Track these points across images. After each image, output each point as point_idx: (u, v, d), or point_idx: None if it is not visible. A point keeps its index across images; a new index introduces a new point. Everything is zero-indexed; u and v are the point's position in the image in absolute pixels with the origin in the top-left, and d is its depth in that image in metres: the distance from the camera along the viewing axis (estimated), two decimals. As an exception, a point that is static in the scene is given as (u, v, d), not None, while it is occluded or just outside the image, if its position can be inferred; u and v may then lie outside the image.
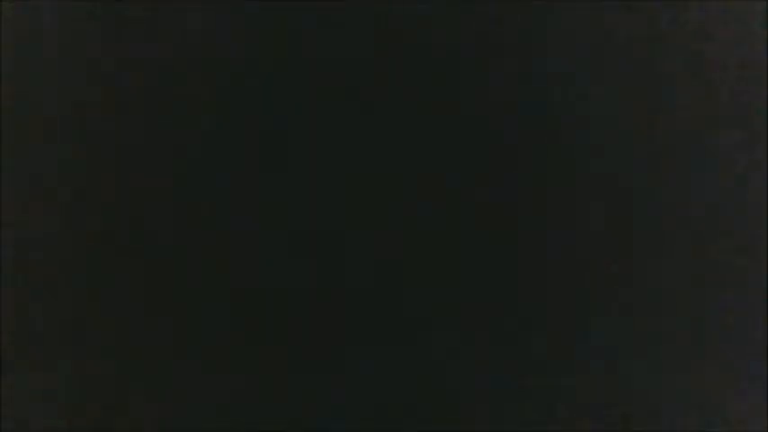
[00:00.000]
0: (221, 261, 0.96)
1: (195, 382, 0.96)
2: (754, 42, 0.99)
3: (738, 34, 0.99)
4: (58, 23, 0.98)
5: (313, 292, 0.96)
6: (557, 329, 0.96)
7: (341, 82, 0.97)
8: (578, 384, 0.96)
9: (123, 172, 0.97)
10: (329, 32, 0.97)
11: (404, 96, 0.97)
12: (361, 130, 0.97)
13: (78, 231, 0.97)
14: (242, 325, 0.96)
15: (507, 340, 0.96)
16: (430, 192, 0.97)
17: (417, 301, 0.96)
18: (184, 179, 0.97)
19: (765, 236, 0.98)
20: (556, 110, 0.97)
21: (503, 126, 0.97)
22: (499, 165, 0.97)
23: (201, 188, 0.97)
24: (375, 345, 0.96)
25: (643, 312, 0.97)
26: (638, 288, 0.97)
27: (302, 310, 0.96)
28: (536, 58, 0.98)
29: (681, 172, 0.98)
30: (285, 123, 0.97)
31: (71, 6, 0.98)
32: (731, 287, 0.97)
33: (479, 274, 0.96)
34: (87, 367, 0.96)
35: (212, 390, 0.96)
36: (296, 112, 0.97)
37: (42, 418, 0.96)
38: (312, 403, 0.96)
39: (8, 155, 0.98)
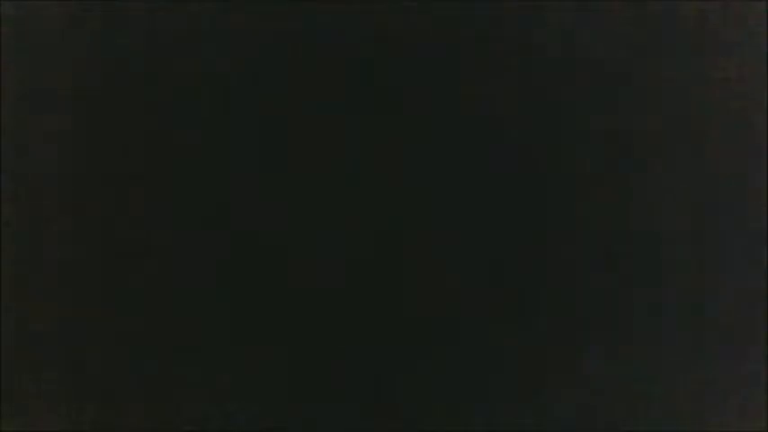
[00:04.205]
0: (221, 262, 0.96)
1: (195, 382, 0.96)
2: (754, 42, 0.99)
3: (738, 34, 0.99)
4: (58, 23, 0.98)
5: (311, 291, 0.96)
6: (557, 329, 0.96)
7: (340, 82, 0.97)
8: (578, 385, 0.96)
9: (123, 172, 0.97)
10: (329, 32, 0.97)
11: (404, 97, 0.97)
12: (360, 131, 0.97)
13: (78, 231, 0.97)
14: (242, 325, 0.96)
15: (507, 340, 0.96)
16: (429, 191, 0.97)
17: (417, 301, 0.96)
18: (185, 179, 0.97)
19: (765, 236, 0.98)
20: (555, 110, 0.97)
21: (502, 126, 0.97)
22: (499, 165, 0.97)
23: (202, 188, 0.97)
24: (373, 344, 0.96)
25: (644, 313, 0.97)
26: (639, 289, 0.97)
27: (302, 311, 0.96)
28: (535, 58, 0.98)
29: (680, 172, 0.98)
30: (285, 124, 0.97)
31: (71, 6, 0.98)
32: (731, 287, 0.97)
33: (479, 273, 0.96)
34: (87, 367, 0.96)
35: (212, 390, 0.96)
36: (296, 112, 0.97)
37: (43, 418, 0.96)
38: (310, 404, 0.96)
39: (8, 155, 0.98)
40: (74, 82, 0.98)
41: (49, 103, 0.98)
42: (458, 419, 0.96)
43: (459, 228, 0.97)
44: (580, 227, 0.97)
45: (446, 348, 0.96)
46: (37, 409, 0.96)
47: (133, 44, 0.98)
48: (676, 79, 0.98)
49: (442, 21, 0.97)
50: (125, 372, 0.96)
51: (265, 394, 0.96)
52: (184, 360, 0.96)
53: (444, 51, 0.97)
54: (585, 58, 0.98)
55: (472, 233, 0.97)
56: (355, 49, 0.97)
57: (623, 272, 0.97)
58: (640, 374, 0.96)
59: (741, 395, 0.97)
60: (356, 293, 0.96)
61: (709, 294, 0.97)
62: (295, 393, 0.96)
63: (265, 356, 0.96)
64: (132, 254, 0.97)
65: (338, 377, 0.96)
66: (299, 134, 0.97)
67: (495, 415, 0.96)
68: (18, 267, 0.97)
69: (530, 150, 0.97)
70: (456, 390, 0.96)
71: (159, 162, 0.97)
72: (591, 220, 0.97)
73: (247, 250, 0.96)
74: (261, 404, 0.96)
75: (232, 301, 0.96)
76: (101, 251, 0.97)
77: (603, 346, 0.96)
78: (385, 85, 0.97)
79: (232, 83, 0.97)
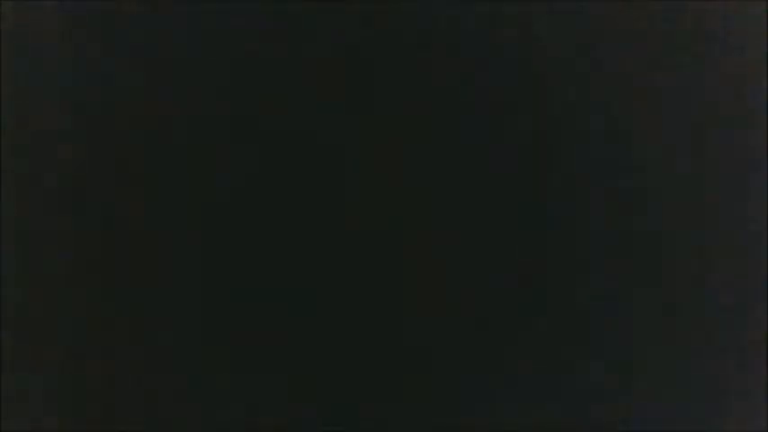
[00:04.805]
0: (222, 261, 0.96)
1: (195, 382, 0.96)
2: (754, 42, 0.99)
3: (738, 34, 0.99)
4: (58, 24, 0.98)
5: (311, 292, 0.96)
6: (557, 329, 0.96)
7: (340, 82, 0.97)
8: (578, 384, 0.96)
9: (123, 172, 0.97)
10: (329, 32, 0.97)
11: (404, 96, 0.97)
12: (359, 131, 0.97)
13: (78, 231, 0.97)
14: (242, 326, 0.96)
15: (507, 340, 0.96)
16: (429, 191, 0.97)
17: (416, 301, 0.96)
18: (184, 179, 0.97)
19: (765, 236, 0.98)
20: (555, 110, 0.97)
21: (503, 126, 0.97)
22: (499, 165, 0.97)
23: (202, 188, 0.97)
24: (373, 344, 0.96)
25: (644, 313, 0.97)
26: (639, 288, 0.97)
27: (301, 312, 0.96)
28: (536, 58, 0.98)
29: (681, 172, 0.98)
30: (285, 124, 0.97)
31: (71, 7, 0.98)
32: (731, 287, 0.97)
33: (478, 274, 0.96)
34: (87, 367, 0.96)
35: (212, 390, 0.96)
36: (296, 112, 0.97)
37: (42, 418, 0.96)
38: (309, 404, 0.96)
39: (8, 155, 0.98)
40: (74, 82, 0.98)
41: (49, 103, 0.98)
42: (458, 419, 0.96)
43: (459, 228, 0.97)
44: (580, 227, 0.97)
45: (446, 348, 0.96)
46: (37, 409, 0.96)
47: (133, 44, 0.98)
48: (676, 79, 0.98)
49: (442, 21, 0.98)
50: (125, 372, 0.96)
51: (265, 395, 0.96)
52: (184, 360, 0.96)
53: (444, 52, 0.97)
54: (585, 57, 0.98)
55: (472, 233, 0.97)
56: (355, 50, 0.97)
57: (623, 272, 0.97)
58: (640, 375, 0.96)
59: (741, 395, 0.97)
60: (356, 293, 0.96)
61: (709, 294, 0.97)
62: (294, 394, 0.96)
63: (265, 357, 0.96)
64: (132, 254, 0.97)
65: (337, 377, 0.96)
66: (298, 134, 0.97)
67: (495, 415, 0.96)
68: (18, 266, 0.97)
69: (530, 150, 0.97)
70: (456, 389, 0.96)
71: (159, 162, 0.97)
72: (591, 220, 0.97)
73: (247, 250, 0.96)
74: (260, 404, 0.96)
75: (232, 301, 0.96)
76: (101, 251, 0.97)
77: (604, 347, 0.96)
78: (385, 85, 0.97)
79: (232, 83, 0.98)
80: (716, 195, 0.98)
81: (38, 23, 0.99)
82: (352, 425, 0.95)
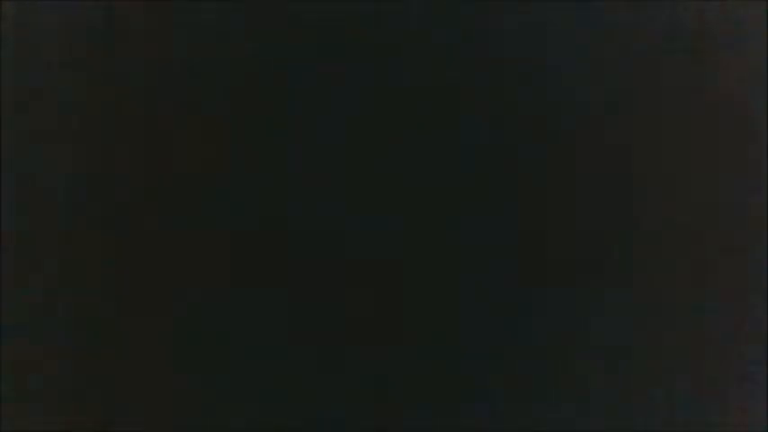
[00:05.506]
0: (221, 261, 0.96)
1: (195, 382, 0.96)
2: (754, 42, 0.99)
3: (738, 34, 0.99)
4: (59, 24, 0.98)
5: (312, 292, 0.96)
6: (557, 329, 0.96)
7: (340, 82, 0.97)
8: (578, 384, 0.96)
9: (123, 172, 0.97)
10: (330, 32, 0.98)
11: (404, 96, 0.97)
12: (359, 130, 0.97)
13: (79, 231, 0.97)
14: (241, 325, 0.96)
15: (506, 340, 0.96)
16: (429, 192, 0.97)
17: (416, 302, 0.96)
18: (184, 179, 0.97)
19: (765, 236, 0.98)
20: (556, 110, 0.97)
21: (503, 126, 0.97)
22: (499, 165, 0.97)
23: (202, 187, 0.97)
24: (374, 345, 0.96)
25: (643, 312, 0.97)
26: (638, 289, 0.97)
27: (302, 311, 0.96)
28: (536, 58, 0.98)
29: (681, 172, 0.98)
30: (285, 123, 0.97)
31: (71, 7, 0.98)
32: (731, 287, 0.97)
33: (479, 273, 0.96)
34: (87, 367, 0.96)
35: (212, 390, 0.96)
36: (296, 112, 0.97)
37: (42, 418, 0.96)
38: (310, 404, 0.96)
39: (8, 155, 0.98)
40: (74, 82, 0.98)
41: (49, 104, 0.98)
42: (458, 419, 0.96)
43: (460, 229, 0.97)
44: (580, 227, 0.97)
45: (446, 349, 0.96)
46: (37, 409, 0.96)
47: (133, 44, 0.98)
48: (676, 79, 0.98)
49: (442, 22, 0.98)
50: (125, 372, 0.96)
51: (265, 395, 0.96)
52: (184, 360, 0.96)
53: (443, 52, 0.97)
54: (585, 57, 0.98)
55: (472, 234, 0.97)
56: (354, 49, 0.97)
57: (623, 272, 0.97)
58: (640, 374, 0.96)
59: (741, 395, 0.97)
60: (357, 294, 0.96)
61: (709, 294, 0.97)
62: (295, 394, 0.96)
63: (265, 357, 0.96)
64: (132, 254, 0.97)
65: (339, 377, 0.96)
66: (300, 135, 0.97)
67: (495, 415, 0.96)
68: (18, 267, 0.97)
69: (530, 152, 0.97)
70: (456, 390, 0.96)
71: (161, 161, 0.97)
72: (591, 220, 0.97)
73: (246, 250, 0.96)
74: (261, 404, 0.96)
75: (232, 301, 0.96)
76: (101, 251, 0.97)
77: (603, 347, 0.96)
78: (384, 84, 0.97)
79: (231, 82, 0.98)
80: (716, 195, 0.98)
81: (38, 23, 0.99)
82: (352, 425, 0.95)
